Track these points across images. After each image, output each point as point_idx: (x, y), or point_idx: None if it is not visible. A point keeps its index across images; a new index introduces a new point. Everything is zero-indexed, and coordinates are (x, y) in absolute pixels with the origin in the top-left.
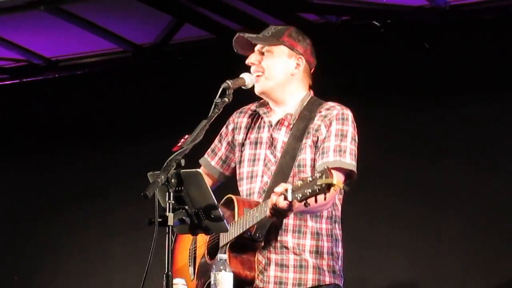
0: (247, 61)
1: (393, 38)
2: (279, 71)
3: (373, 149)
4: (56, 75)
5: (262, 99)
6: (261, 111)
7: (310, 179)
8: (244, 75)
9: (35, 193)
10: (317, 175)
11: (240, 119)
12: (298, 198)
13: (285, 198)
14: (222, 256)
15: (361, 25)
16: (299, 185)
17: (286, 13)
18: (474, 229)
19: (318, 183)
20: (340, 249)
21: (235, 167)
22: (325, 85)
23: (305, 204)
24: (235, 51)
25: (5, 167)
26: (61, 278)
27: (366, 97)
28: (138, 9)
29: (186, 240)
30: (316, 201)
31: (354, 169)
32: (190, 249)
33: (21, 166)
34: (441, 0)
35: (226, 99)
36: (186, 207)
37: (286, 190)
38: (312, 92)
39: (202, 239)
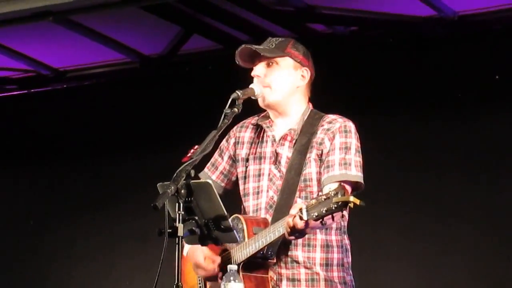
0: (253, 73)
1: (402, 48)
2: (286, 83)
3: (382, 161)
4: (64, 86)
5: (263, 111)
6: (264, 124)
7: (325, 197)
8: (253, 86)
9: (41, 203)
10: (332, 192)
11: (242, 133)
12: (314, 217)
13: (301, 218)
14: (232, 267)
15: (369, 36)
16: (313, 204)
17: (294, 24)
18: (482, 239)
19: (334, 201)
20: (350, 259)
21: (235, 181)
22: (333, 95)
23: (321, 222)
24: (237, 63)
25: (13, 177)
26: (70, 287)
27: (374, 107)
28: (146, 20)
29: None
30: (333, 219)
31: (361, 180)
32: None
33: (29, 176)
34: (449, 11)
35: (236, 109)
36: (196, 217)
37: (301, 210)
38: (311, 105)
39: None
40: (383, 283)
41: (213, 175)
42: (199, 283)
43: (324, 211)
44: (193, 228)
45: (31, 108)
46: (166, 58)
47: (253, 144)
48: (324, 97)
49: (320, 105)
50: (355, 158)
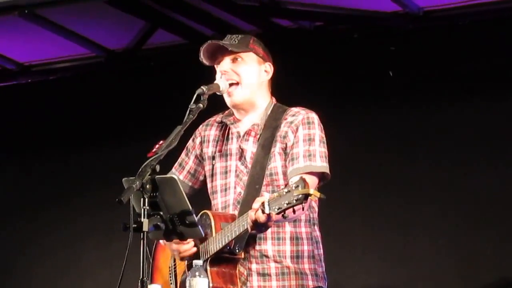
0: (221, 69)
1: (367, 43)
2: (253, 78)
3: (347, 151)
4: (29, 80)
5: (227, 108)
6: (228, 121)
7: (286, 190)
8: (218, 81)
9: (4, 197)
10: (293, 186)
11: (207, 132)
12: (276, 210)
13: (263, 212)
14: (197, 262)
15: (335, 31)
16: (275, 197)
17: (259, 18)
18: (449, 230)
19: (295, 194)
20: (321, 251)
21: (203, 180)
22: (297, 90)
23: (283, 215)
24: (200, 59)
25: None
26: (33, 280)
27: (339, 102)
28: (111, 14)
29: (166, 254)
30: (294, 212)
31: (327, 170)
32: (170, 267)
33: None
34: (414, 6)
35: (201, 105)
36: (161, 212)
37: (263, 204)
38: (274, 99)
39: None
40: (349, 272)
41: (180, 174)
42: (171, 280)
43: (285, 204)
44: (158, 223)
45: None
46: (131, 53)
47: (218, 142)
48: (289, 92)
49: (286, 100)
50: (319, 149)
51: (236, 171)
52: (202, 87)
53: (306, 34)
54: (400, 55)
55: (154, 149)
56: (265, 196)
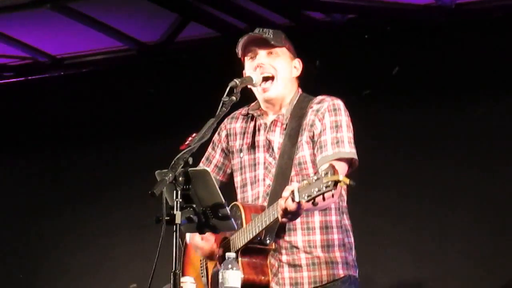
0: (258, 62)
1: (400, 36)
2: (287, 73)
3: (378, 148)
4: (62, 73)
5: (253, 102)
6: (255, 113)
7: (316, 178)
8: (251, 74)
9: (39, 191)
10: (322, 173)
11: (233, 125)
12: (305, 198)
13: (293, 200)
14: (230, 254)
15: (367, 24)
16: (305, 185)
17: (292, 12)
18: (478, 228)
19: (324, 181)
20: (351, 239)
21: (230, 173)
22: (329, 83)
23: (313, 203)
24: (237, 51)
25: (10, 165)
26: (65, 275)
27: (371, 95)
28: (144, 7)
29: None
30: (324, 199)
31: (355, 156)
32: (201, 260)
33: (25, 164)
34: None
35: (234, 98)
36: (194, 205)
37: (293, 192)
38: (300, 90)
39: None
40: (378, 270)
41: (207, 168)
42: (202, 273)
43: (315, 192)
44: (191, 216)
45: (28, 95)
46: (163, 46)
47: (245, 134)
48: (321, 85)
49: (317, 93)
50: (347, 135)
51: (264, 163)
52: (235, 80)
53: (338, 27)
54: (433, 48)
55: (187, 142)
56: (294, 184)
